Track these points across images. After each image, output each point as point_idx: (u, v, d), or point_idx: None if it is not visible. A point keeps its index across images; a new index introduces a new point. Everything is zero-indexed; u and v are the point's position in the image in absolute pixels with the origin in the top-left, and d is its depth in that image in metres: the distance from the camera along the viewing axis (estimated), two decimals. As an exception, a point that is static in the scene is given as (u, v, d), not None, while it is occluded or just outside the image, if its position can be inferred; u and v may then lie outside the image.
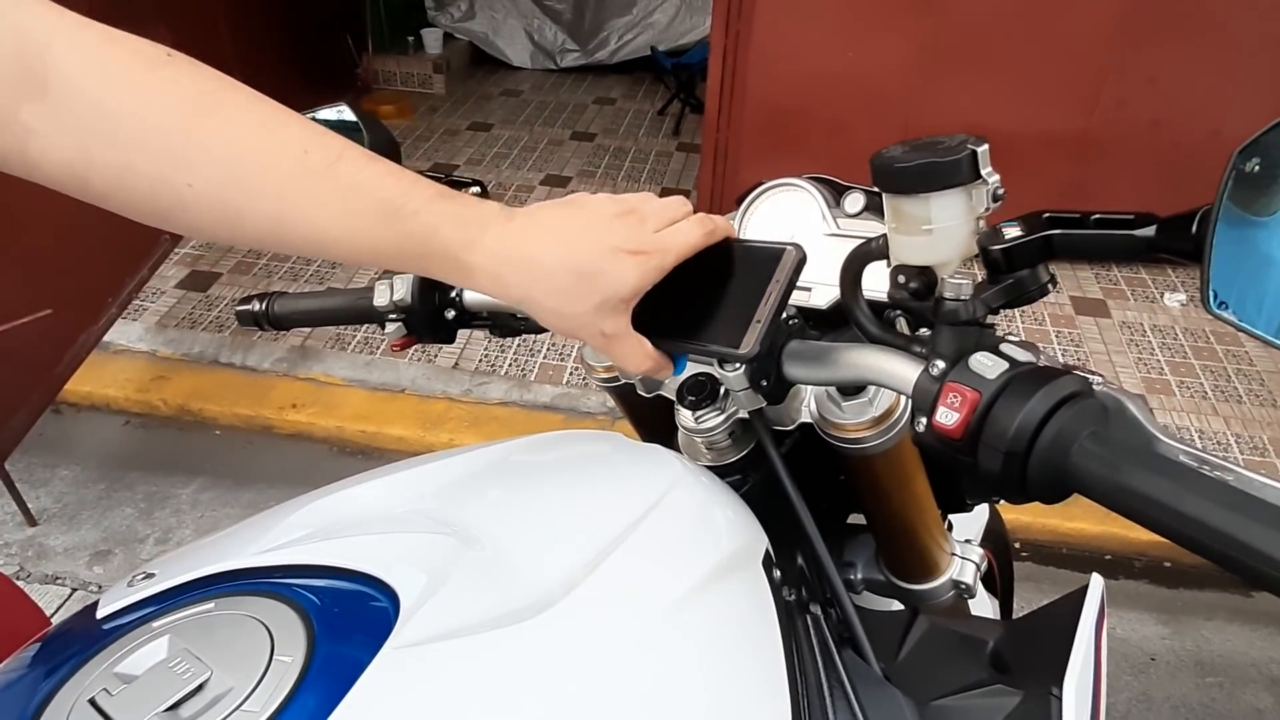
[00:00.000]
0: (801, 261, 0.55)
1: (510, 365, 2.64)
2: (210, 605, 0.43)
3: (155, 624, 0.43)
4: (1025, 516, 2.15)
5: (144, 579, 0.47)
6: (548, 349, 2.70)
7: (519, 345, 2.70)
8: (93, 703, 0.38)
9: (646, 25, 5.04)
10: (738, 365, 0.58)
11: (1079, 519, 2.17)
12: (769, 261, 0.56)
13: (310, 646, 0.40)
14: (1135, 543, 2.17)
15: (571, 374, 2.61)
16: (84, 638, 0.44)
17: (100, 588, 2.01)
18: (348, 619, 0.43)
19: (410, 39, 4.92)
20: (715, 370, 0.60)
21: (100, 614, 0.46)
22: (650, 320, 0.56)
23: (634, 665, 0.43)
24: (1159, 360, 2.67)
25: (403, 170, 0.51)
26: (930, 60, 2.79)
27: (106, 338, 2.54)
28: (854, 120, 2.92)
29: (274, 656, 0.39)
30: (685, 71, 4.40)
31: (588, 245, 0.51)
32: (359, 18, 4.64)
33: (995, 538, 1.17)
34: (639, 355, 0.55)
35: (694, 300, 0.57)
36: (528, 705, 0.40)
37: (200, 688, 0.38)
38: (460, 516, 0.52)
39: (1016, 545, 2.16)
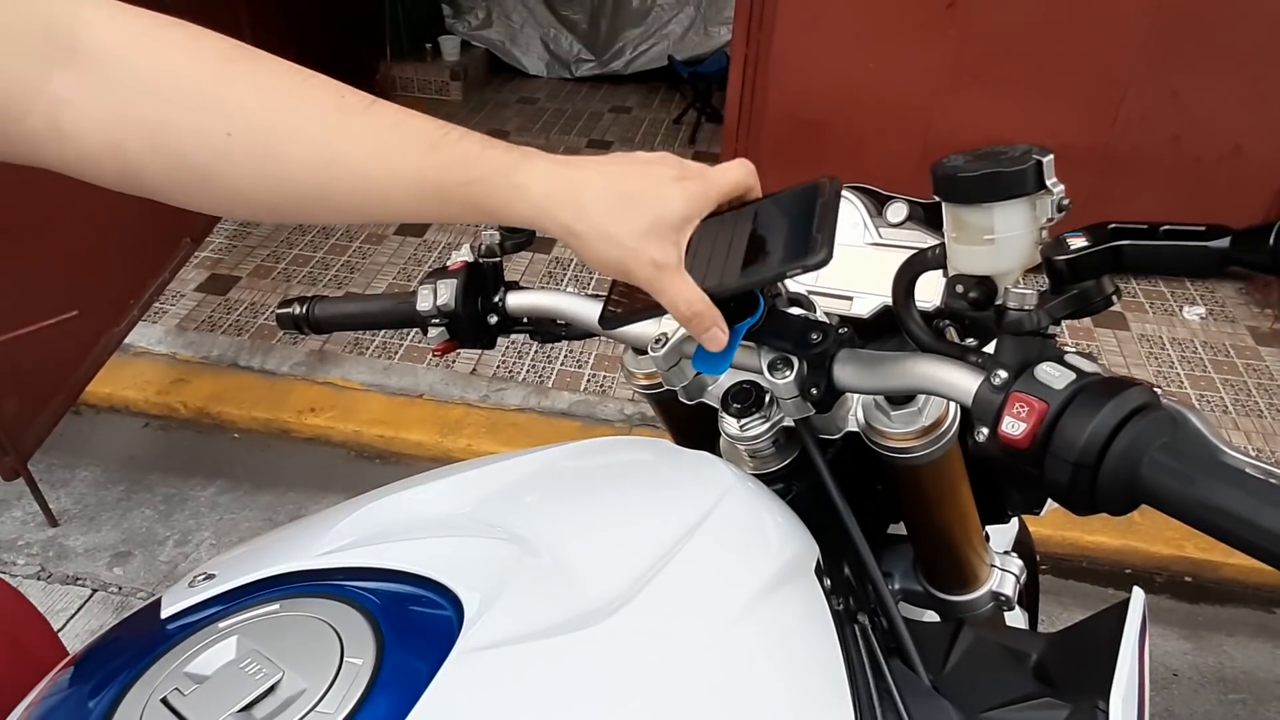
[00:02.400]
0: (838, 188, 0.55)
1: (528, 371, 2.64)
2: (275, 606, 0.43)
3: (221, 624, 0.43)
4: (1046, 529, 2.14)
5: (204, 579, 0.48)
6: (564, 355, 2.70)
7: (536, 352, 2.71)
8: (165, 702, 0.38)
9: (661, 36, 5.05)
10: (788, 372, 0.58)
11: (1099, 532, 2.16)
12: (805, 194, 0.55)
13: (379, 650, 0.40)
14: (1156, 557, 2.15)
15: (589, 381, 2.61)
16: (150, 637, 0.44)
17: (120, 589, 2.02)
18: (413, 623, 0.43)
19: (428, 46, 4.96)
20: (765, 378, 0.60)
21: (164, 614, 0.46)
22: (710, 275, 0.54)
23: (700, 673, 0.43)
24: (1179, 373, 2.66)
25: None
26: (951, 73, 2.79)
27: (127, 340, 2.56)
28: (874, 133, 2.92)
29: (344, 659, 0.39)
30: (702, 81, 4.41)
31: (635, 173, 0.51)
32: (377, 25, 4.67)
33: (1023, 549, 1.17)
34: (692, 295, 0.52)
35: (747, 248, 0.55)
36: (598, 711, 0.40)
37: (272, 689, 0.38)
38: (515, 522, 0.52)
39: (1036, 558, 2.15)
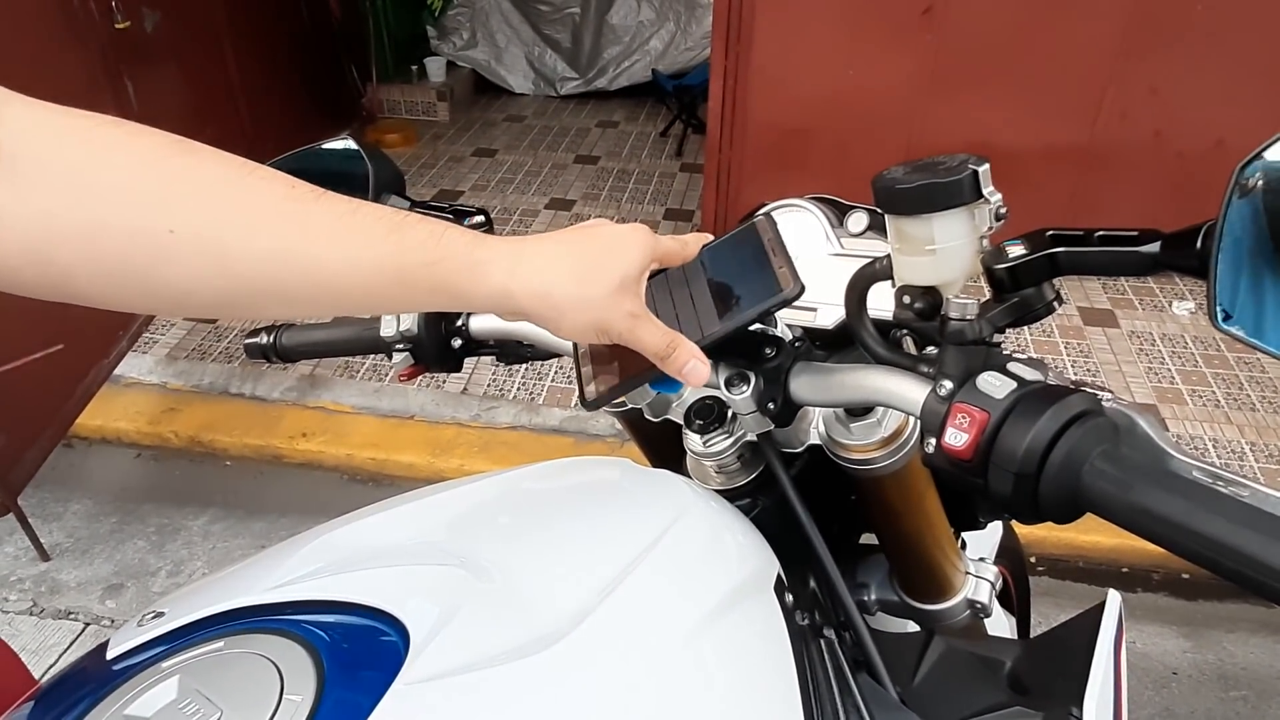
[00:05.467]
0: (774, 223, 0.57)
1: (519, 390, 2.64)
2: (220, 644, 0.43)
3: (165, 664, 0.42)
4: (1040, 531, 2.13)
5: (153, 618, 0.47)
6: (555, 372, 2.70)
7: (527, 370, 2.70)
8: (104, 746, 0.38)
9: (644, 52, 5.07)
10: (745, 387, 0.58)
11: (1094, 532, 2.15)
12: (746, 236, 0.58)
13: (320, 684, 0.40)
14: (1153, 555, 2.14)
15: (580, 397, 2.61)
16: (94, 679, 0.44)
17: (113, 622, 2.01)
18: (358, 655, 0.42)
19: (414, 68, 4.98)
20: (722, 393, 0.60)
21: (110, 654, 0.45)
22: (688, 328, 0.56)
23: (647, 697, 0.43)
24: (1170, 370, 2.66)
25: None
26: (931, 77, 2.81)
27: (117, 371, 2.56)
28: (856, 139, 2.93)
29: (284, 695, 0.39)
30: (687, 93, 4.42)
31: (590, 238, 0.52)
32: (363, 48, 4.69)
33: (1010, 554, 1.16)
34: (666, 336, 0.53)
35: (702, 302, 0.57)
36: (541, 739, 0.39)
37: (210, 728, 0.38)
38: (470, 548, 0.52)
39: (1032, 560, 2.14)
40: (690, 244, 0.58)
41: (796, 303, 0.72)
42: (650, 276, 0.56)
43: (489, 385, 2.65)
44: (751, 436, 0.65)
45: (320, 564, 0.51)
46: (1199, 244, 0.41)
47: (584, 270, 0.50)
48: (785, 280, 0.53)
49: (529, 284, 0.49)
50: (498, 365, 2.70)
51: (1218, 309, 0.40)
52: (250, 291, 0.45)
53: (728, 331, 0.55)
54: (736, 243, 0.58)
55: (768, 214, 0.56)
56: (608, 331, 0.52)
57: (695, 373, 0.54)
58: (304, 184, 0.46)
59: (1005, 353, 0.50)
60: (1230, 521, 0.37)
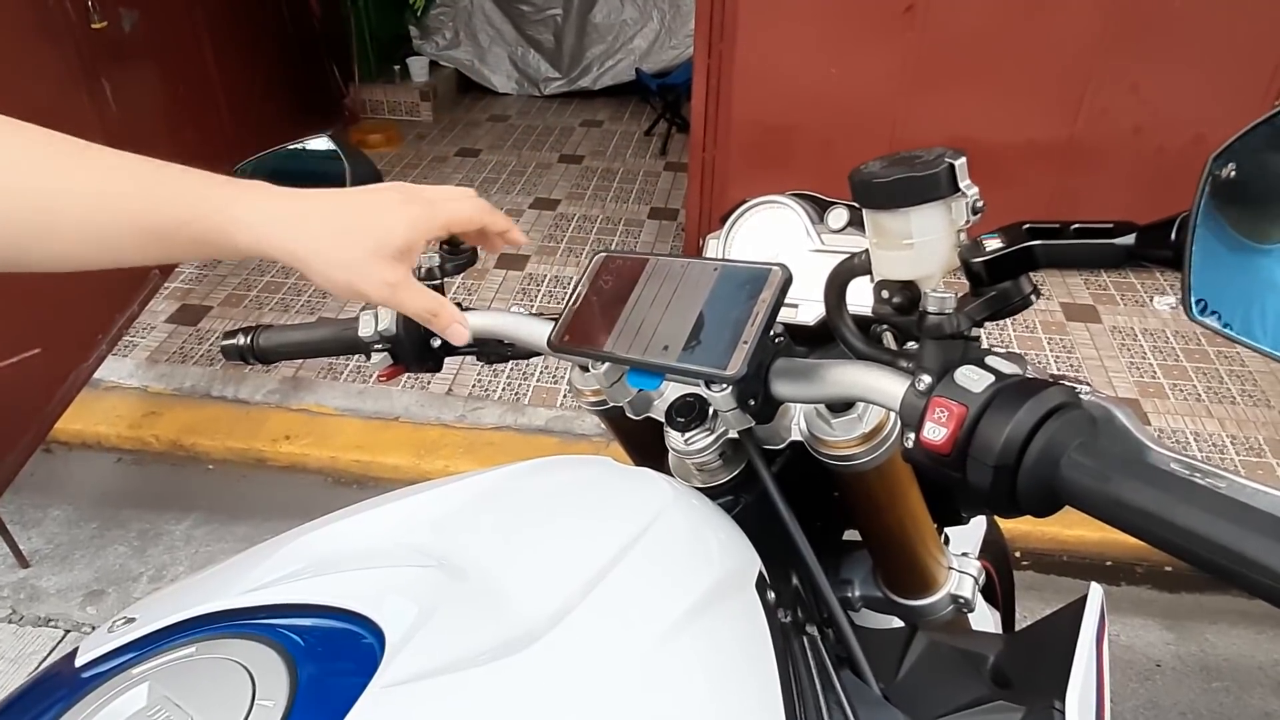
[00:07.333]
0: (788, 281, 0.57)
1: (504, 390, 2.63)
2: (191, 649, 0.42)
3: (135, 671, 0.42)
4: (1024, 525, 2.14)
5: (124, 624, 0.47)
6: (541, 372, 2.69)
7: (512, 370, 2.70)
8: (71, 755, 0.37)
9: (627, 51, 5.07)
10: (725, 386, 0.58)
11: (1078, 526, 2.16)
12: (755, 281, 0.57)
13: (293, 689, 0.39)
14: (1136, 548, 2.16)
15: (565, 396, 2.60)
16: (63, 687, 0.43)
17: (93, 629, 1.99)
18: (332, 659, 0.42)
19: (396, 68, 4.96)
20: (703, 390, 0.60)
21: (79, 662, 0.45)
22: (654, 343, 0.57)
23: (625, 697, 0.42)
24: (1151, 364, 2.68)
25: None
26: (914, 74, 2.81)
27: (97, 375, 2.53)
28: (840, 136, 2.93)
29: (255, 701, 0.38)
30: (671, 92, 4.42)
31: (355, 203, 0.54)
32: (345, 48, 4.66)
33: (994, 549, 1.16)
34: (427, 302, 0.56)
35: (680, 322, 0.58)
36: (517, 741, 0.39)
37: (180, 736, 0.37)
38: (448, 548, 0.52)
39: (1017, 555, 2.15)
40: (498, 215, 0.61)
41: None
42: (659, 259, 0.59)
43: (474, 386, 2.64)
44: (733, 434, 0.65)
45: (295, 567, 0.50)
46: (1173, 235, 0.41)
47: (336, 235, 0.52)
48: (735, 360, 0.55)
49: (283, 241, 0.51)
50: (482, 365, 2.70)
51: (1193, 300, 0.40)
52: (12, 240, 0.46)
53: (665, 371, 0.58)
54: (748, 278, 0.58)
55: (784, 266, 0.57)
56: (363, 295, 0.54)
57: (455, 334, 0.60)
58: (69, 139, 0.48)
59: (984, 346, 0.50)
60: (1207, 513, 0.37)
